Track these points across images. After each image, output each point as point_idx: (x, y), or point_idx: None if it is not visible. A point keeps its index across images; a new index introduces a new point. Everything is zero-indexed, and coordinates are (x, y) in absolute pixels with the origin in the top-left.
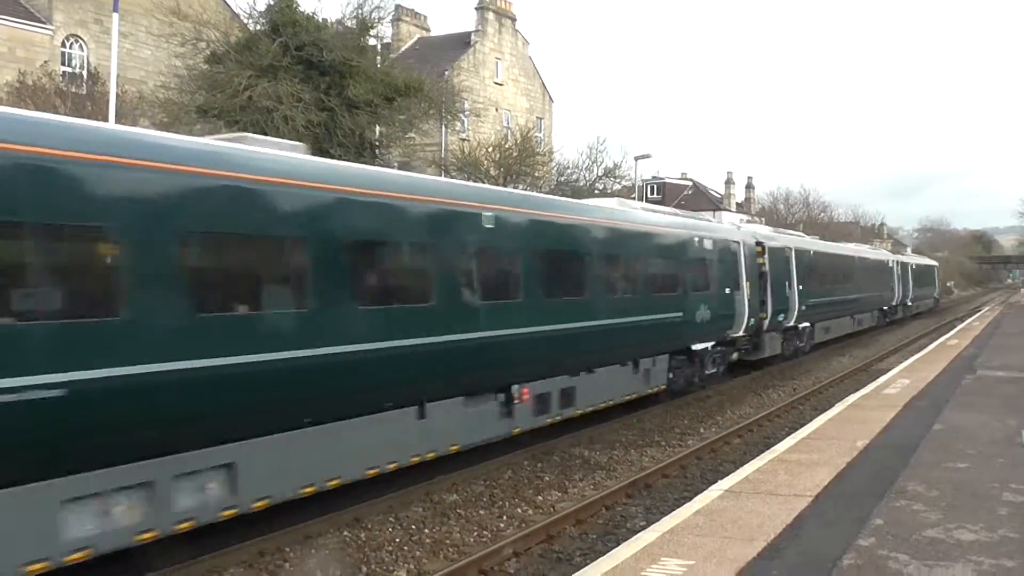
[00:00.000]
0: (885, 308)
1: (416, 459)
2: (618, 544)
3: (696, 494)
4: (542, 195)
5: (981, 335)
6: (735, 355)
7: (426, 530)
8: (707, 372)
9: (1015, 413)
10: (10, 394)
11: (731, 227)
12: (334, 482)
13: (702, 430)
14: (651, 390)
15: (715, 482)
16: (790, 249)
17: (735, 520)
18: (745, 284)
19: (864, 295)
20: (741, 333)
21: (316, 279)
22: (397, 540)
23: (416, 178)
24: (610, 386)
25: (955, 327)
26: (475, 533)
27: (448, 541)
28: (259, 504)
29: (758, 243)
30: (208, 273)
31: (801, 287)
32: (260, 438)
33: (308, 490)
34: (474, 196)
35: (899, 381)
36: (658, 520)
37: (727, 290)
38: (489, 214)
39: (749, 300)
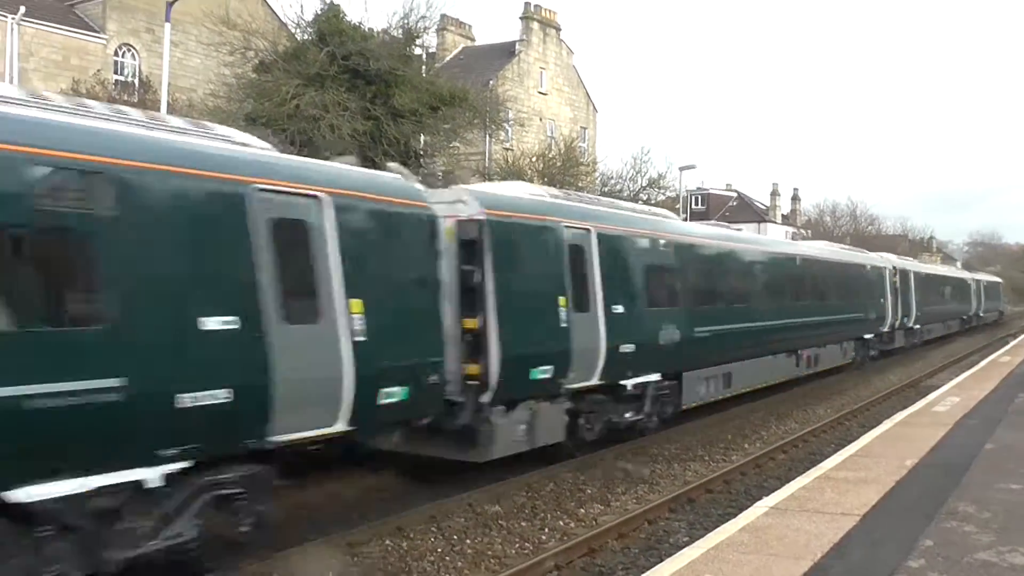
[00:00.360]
0: (965, 317)
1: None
2: (661, 560)
3: (740, 510)
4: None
5: None
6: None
7: (468, 540)
8: (870, 353)
9: None
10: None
11: (878, 256)
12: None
13: (746, 445)
14: (848, 361)
15: (759, 498)
16: (909, 272)
17: (781, 538)
18: (889, 296)
19: (953, 306)
20: (886, 329)
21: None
22: (439, 550)
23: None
24: (833, 354)
25: (1007, 343)
26: (517, 545)
27: (490, 552)
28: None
29: (894, 267)
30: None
31: (917, 299)
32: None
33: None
34: (791, 249)
35: (949, 398)
36: (702, 536)
37: (880, 300)
38: (798, 259)
39: (891, 307)
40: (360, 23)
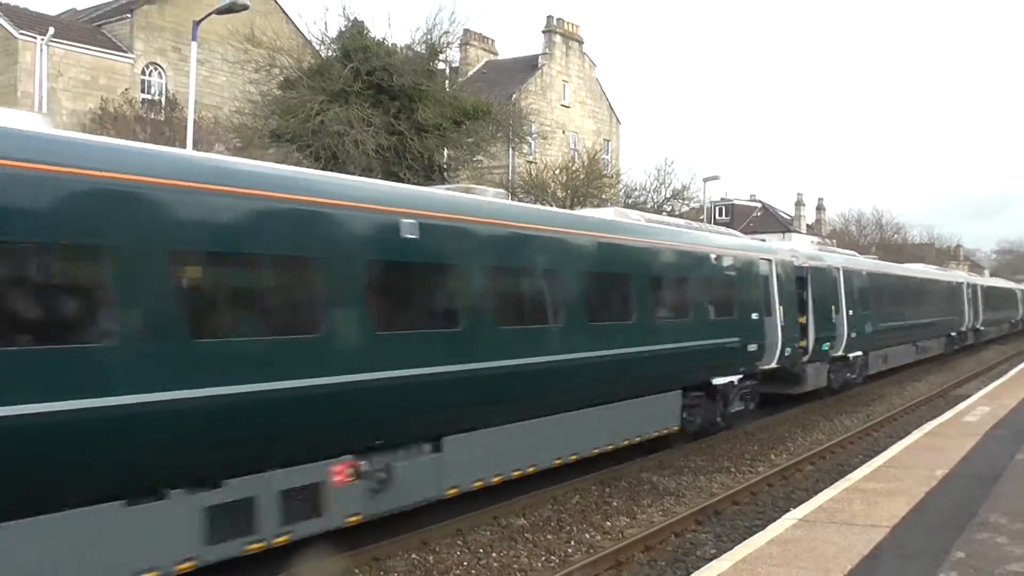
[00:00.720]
0: (954, 334)
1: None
2: (688, 572)
3: (768, 522)
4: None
5: None
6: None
7: (493, 554)
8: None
9: None
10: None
11: (960, 272)
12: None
13: (773, 456)
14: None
15: (787, 510)
16: (978, 285)
17: (810, 550)
18: (967, 304)
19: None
20: (964, 329)
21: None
22: (465, 564)
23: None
24: (935, 345)
25: None
26: (543, 558)
27: (516, 566)
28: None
29: (969, 283)
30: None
31: (982, 306)
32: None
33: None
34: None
35: (979, 408)
36: (729, 548)
37: (961, 307)
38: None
39: (968, 312)
40: (384, 39)
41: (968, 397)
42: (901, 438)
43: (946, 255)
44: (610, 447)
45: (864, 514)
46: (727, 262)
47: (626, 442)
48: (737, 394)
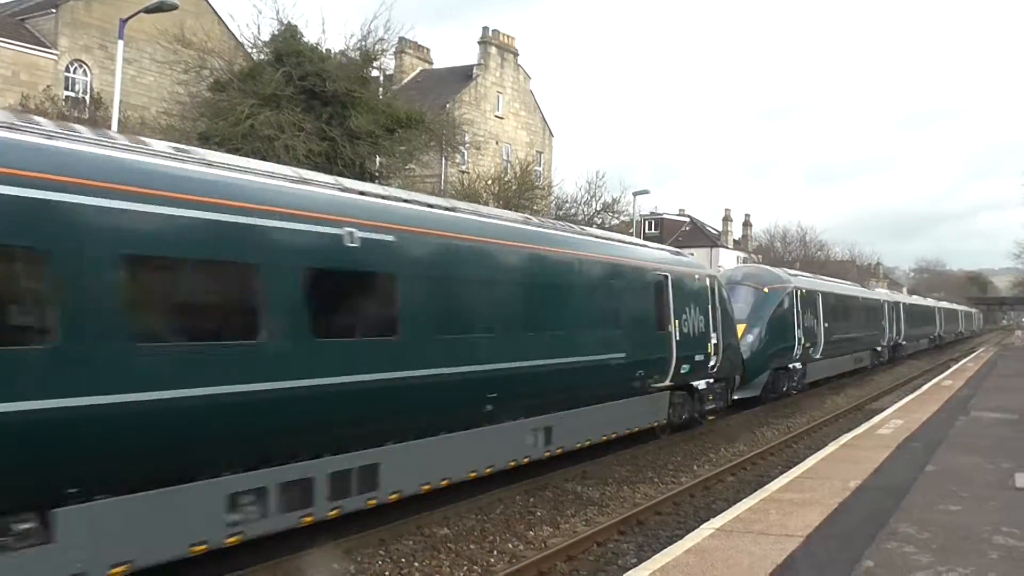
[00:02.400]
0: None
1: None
2: None
3: (689, 532)
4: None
5: (975, 376)
6: None
7: (416, 564)
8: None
9: (1009, 456)
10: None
11: (886, 292)
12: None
13: (696, 467)
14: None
15: (708, 520)
16: (900, 303)
17: (726, 560)
18: (887, 320)
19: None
20: (886, 344)
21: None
22: (387, 574)
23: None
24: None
25: (950, 368)
26: (465, 568)
27: (438, 575)
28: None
29: (897, 302)
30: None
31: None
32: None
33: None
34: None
35: (893, 421)
36: (649, 558)
37: (882, 323)
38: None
39: (888, 327)
40: (317, 44)
41: (883, 411)
42: (818, 450)
43: (866, 272)
44: (626, 431)
45: (779, 524)
46: (880, 305)
47: (628, 431)
48: (710, 394)
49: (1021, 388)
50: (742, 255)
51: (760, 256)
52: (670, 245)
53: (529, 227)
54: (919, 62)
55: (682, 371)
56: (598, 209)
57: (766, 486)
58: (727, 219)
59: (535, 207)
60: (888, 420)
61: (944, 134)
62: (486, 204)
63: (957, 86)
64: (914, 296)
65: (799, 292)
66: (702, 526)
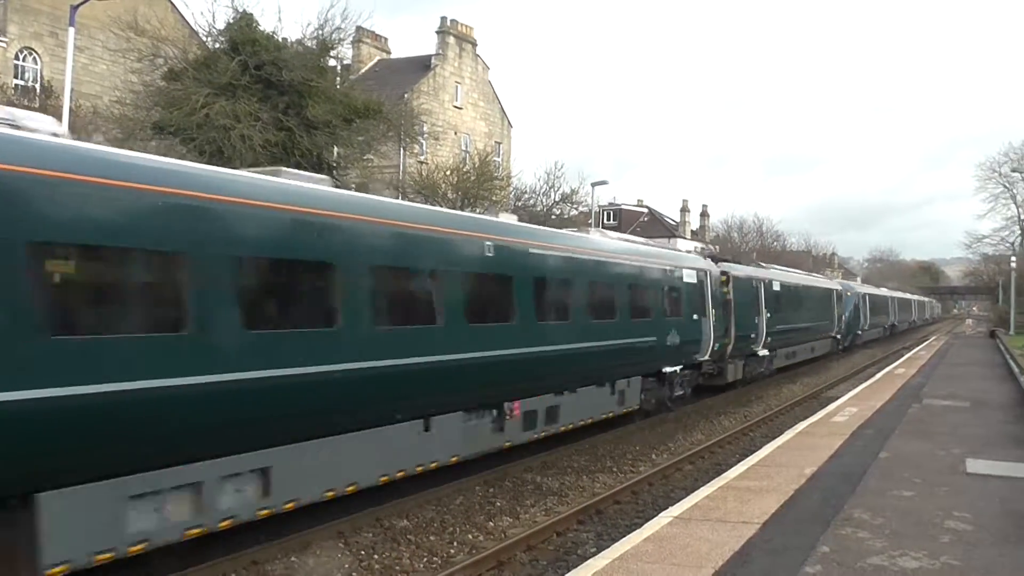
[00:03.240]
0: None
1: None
2: (568, 570)
3: (647, 520)
4: None
5: (927, 364)
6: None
7: (375, 556)
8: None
9: (960, 442)
10: None
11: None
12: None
13: (654, 456)
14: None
15: (666, 508)
16: (865, 294)
17: (684, 547)
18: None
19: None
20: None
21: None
22: (346, 566)
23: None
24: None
25: (902, 356)
26: (425, 559)
27: (398, 567)
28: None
29: (723, 273)
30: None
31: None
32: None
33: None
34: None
35: (847, 409)
36: (608, 546)
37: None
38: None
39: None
40: (274, 33)
41: (838, 399)
42: (775, 438)
43: (822, 262)
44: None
45: (737, 511)
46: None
47: (604, 416)
48: (679, 380)
49: (971, 376)
50: (699, 245)
51: (717, 247)
52: (628, 234)
53: (626, 245)
54: (877, 55)
55: (715, 348)
56: (557, 200)
57: (724, 474)
58: (684, 210)
59: (494, 198)
60: (843, 408)
61: (900, 126)
62: (444, 195)
63: (914, 79)
64: (867, 285)
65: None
66: (661, 514)
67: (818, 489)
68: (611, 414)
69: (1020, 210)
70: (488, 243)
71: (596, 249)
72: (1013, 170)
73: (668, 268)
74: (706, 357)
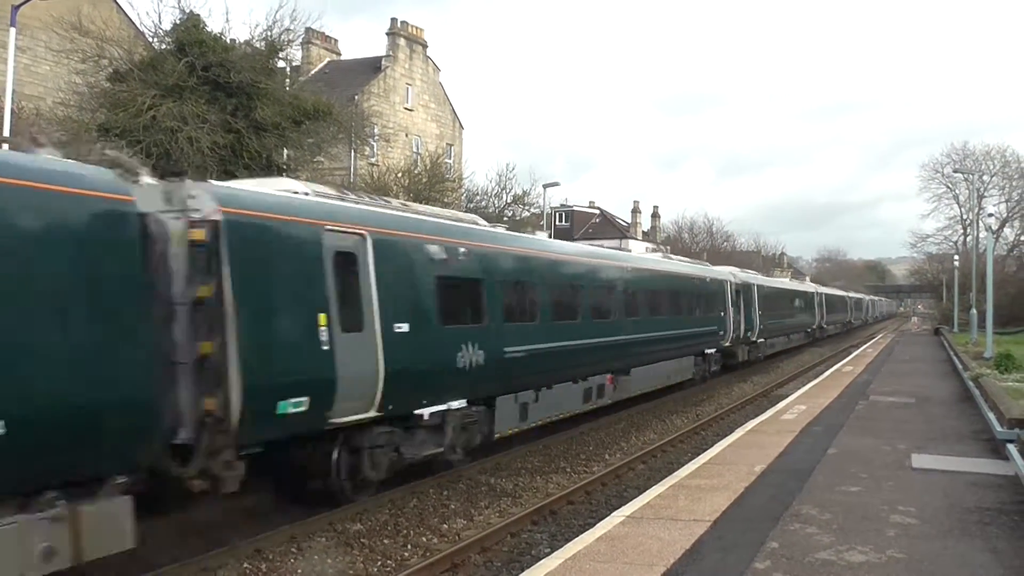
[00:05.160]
0: (810, 330)
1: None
2: (521, 571)
3: (600, 520)
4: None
5: (874, 362)
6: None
7: (329, 560)
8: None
9: (905, 437)
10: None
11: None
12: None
13: (607, 456)
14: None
15: (619, 508)
16: (822, 293)
17: (636, 546)
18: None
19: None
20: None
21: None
22: (299, 571)
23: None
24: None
25: (850, 354)
26: (379, 563)
27: (351, 572)
28: None
29: (818, 292)
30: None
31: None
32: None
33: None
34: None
35: (796, 407)
36: (562, 547)
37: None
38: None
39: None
40: (221, 34)
41: (787, 397)
42: (726, 436)
43: (771, 262)
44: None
45: (688, 510)
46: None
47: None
48: (713, 359)
49: (915, 373)
50: (650, 246)
51: (668, 247)
52: (580, 237)
53: (681, 264)
54: (824, 58)
55: (732, 336)
56: (508, 202)
57: (675, 473)
58: (636, 211)
59: (445, 200)
60: (792, 406)
61: (849, 127)
62: (396, 196)
63: (862, 81)
64: (832, 288)
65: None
66: (613, 514)
67: (768, 486)
68: (680, 380)
69: (963, 210)
70: (618, 268)
71: (666, 268)
72: (955, 170)
73: (707, 279)
74: (727, 343)
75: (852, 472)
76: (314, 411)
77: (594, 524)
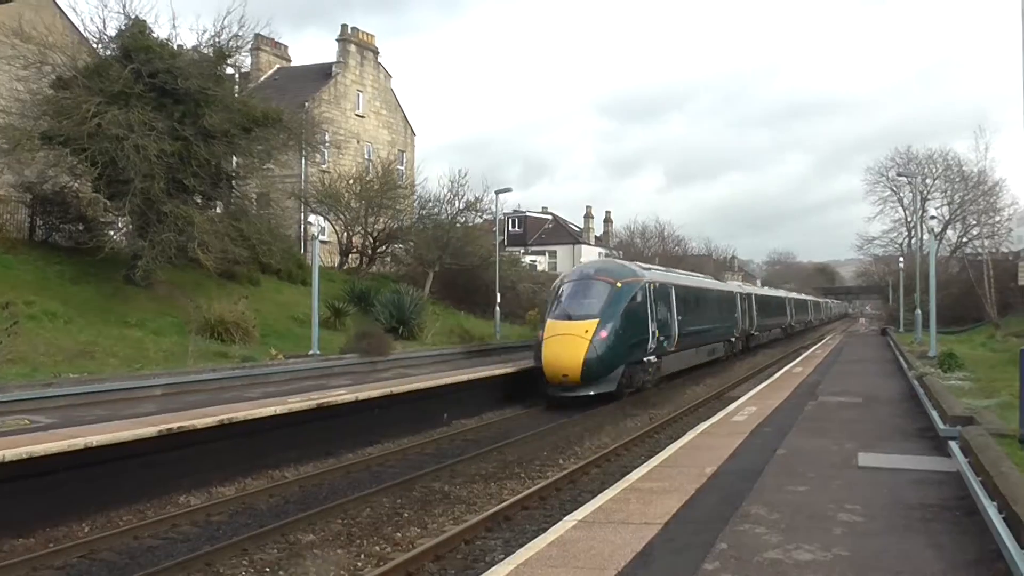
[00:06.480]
0: (784, 326)
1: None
2: None
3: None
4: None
5: (824, 362)
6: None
7: (281, 572)
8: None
9: (853, 437)
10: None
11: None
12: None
13: (561, 460)
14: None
15: (572, 512)
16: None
17: (587, 550)
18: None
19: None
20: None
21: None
22: None
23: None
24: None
25: (800, 355)
26: (332, 573)
27: None
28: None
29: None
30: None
31: (756, 314)
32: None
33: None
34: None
35: (747, 408)
36: (514, 552)
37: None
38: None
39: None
40: (168, 40)
41: (738, 398)
42: (678, 438)
43: (722, 265)
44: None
45: (640, 512)
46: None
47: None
48: (736, 344)
49: (863, 373)
50: (603, 251)
51: (621, 252)
52: (533, 243)
53: (719, 283)
54: (770, 64)
55: (741, 329)
56: (461, 208)
57: (627, 476)
58: (588, 216)
59: (397, 207)
60: (743, 407)
61: (799, 132)
62: (348, 204)
63: (812, 88)
64: (766, 287)
65: (652, 286)
66: (565, 518)
67: (718, 488)
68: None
69: (907, 212)
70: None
71: (720, 288)
72: (899, 174)
73: (729, 291)
74: (738, 334)
75: (800, 472)
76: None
77: (548, 529)
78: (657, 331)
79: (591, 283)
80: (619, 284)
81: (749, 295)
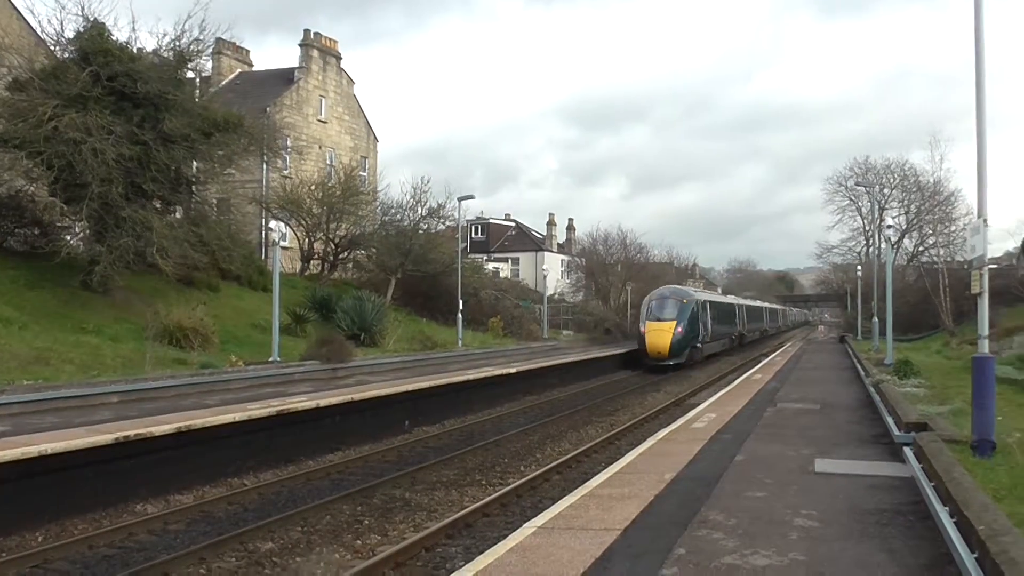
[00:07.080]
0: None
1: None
2: None
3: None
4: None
5: (783, 369)
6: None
7: None
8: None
9: (810, 443)
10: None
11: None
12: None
13: (523, 467)
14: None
15: (532, 518)
16: (739, 304)
17: (547, 556)
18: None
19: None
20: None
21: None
22: None
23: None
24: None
25: (760, 362)
26: None
27: None
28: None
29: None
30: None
31: (745, 320)
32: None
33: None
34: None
35: (707, 415)
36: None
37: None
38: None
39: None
40: (127, 43)
41: (699, 405)
42: (638, 445)
43: (683, 273)
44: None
45: (599, 519)
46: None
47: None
48: (748, 338)
49: (821, 380)
50: (566, 258)
51: (584, 259)
52: (495, 249)
53: (739, 299)
54: (733, 76)
55: (746, 329)
56: (424, 214)
57: (587, 483)
58: (551, 223)
59: (360, 213)
60: (703, 414)
61: (759, 143)
62: (310, 210)
63: (772, 98)
64: (756, 299)
65: (699, 302)
66: (525, 525)
67: (677, 493)
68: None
69: (865, 221)
70: (744, 306)
71: (744, 302)
72: (857, 184)
73: (740, 303)
74: (736, 334)
75: (758, 478)
76: (700, 341)
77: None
78: (703, 329)
79: (668, 300)
80: (685, 301)
81: (743, 305)
